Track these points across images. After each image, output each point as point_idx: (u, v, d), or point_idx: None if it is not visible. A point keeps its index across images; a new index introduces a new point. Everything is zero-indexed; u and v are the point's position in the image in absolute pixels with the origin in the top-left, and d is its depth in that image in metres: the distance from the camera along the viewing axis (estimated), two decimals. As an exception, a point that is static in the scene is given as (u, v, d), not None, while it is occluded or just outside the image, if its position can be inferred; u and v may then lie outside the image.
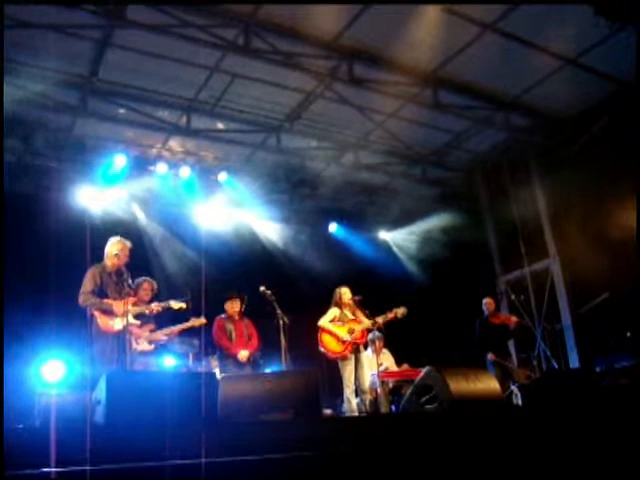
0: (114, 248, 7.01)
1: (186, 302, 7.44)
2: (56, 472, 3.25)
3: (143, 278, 7.67)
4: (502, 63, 9.29)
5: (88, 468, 3.26)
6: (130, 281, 6.97)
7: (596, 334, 10.08)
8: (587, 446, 4.76)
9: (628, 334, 9.32)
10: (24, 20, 7.61)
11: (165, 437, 3.70)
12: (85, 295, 6.67)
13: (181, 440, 3.66)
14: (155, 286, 7.79)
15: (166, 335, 7.66)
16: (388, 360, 9.55)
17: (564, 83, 9.66)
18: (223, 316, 8.58)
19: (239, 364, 8.22)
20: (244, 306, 8.64)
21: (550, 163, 11.04)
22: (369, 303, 8.18)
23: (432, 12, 8.10)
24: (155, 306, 7.28)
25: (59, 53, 8.22)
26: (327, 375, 9.10)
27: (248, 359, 8.28)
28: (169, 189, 11.05)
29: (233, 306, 8.56)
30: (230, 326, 8.45)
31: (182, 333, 8.03)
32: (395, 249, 13.90)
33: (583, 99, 10.22)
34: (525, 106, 10.59)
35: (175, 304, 7.34)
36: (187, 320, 7.69)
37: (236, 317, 8.57)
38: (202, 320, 7.70)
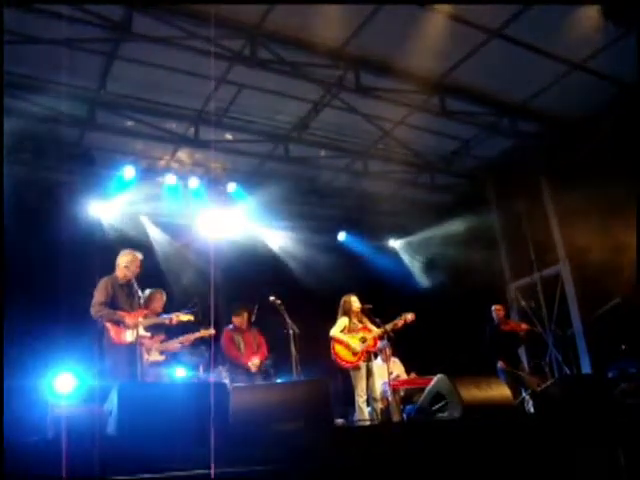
0: (124, 260, 7.05)
1: (194, 314, 7.49)
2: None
3: (154, 289, 7.69)
4: (508, 69, 9.28)
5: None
6: (140, 293, 7.00)
7: (608, 339, 10.00)
8: (600, 452, 4.73)
9: None
10: (31, 35, 7.67)
11: (176, 448, 3.71)
12: (98, 306, 6.68)
13: (192, 451, 3.66)
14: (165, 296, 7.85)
15: (180, 343, 7.72)
16: (399, 368, 9.53)
17: (571, 88, 9.64)
18: (231, 327, 8.73)
19: (249, 374, 8.33)
20: (253, 317, 8.72)
21: (558, 168, 11.01)
22: (379, 311, 8.17)
23: (438, 19, 8.10)
24: (175, 317, 7.32)
25: (67, 67, 8.27)
26: (340, 384, 9.10)
27: (259, 368, 8.37)
28: (178, 200, 11.08)
29: (240, 319, 8.69)
30: (238, 337, 8.62)
31: (193, 344, 8.08)
32: (404, 257, 13.89)
33: (590, 103, 10.18)
34: (532, 111, 10.56)
35: (184, 316, 7.40)
36: (197, 330, 7.76)
37: (244, 328, 8.70)
38: (211, 331, 7.77)
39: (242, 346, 8.59)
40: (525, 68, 9.22)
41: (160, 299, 7.70)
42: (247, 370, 8.37)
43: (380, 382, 8.28)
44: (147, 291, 7.36)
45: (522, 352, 10.80)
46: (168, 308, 7.76)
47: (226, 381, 8.16)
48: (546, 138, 11.06)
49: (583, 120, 10.60)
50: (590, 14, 8.09)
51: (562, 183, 10.74)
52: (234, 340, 8.63)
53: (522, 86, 9.88)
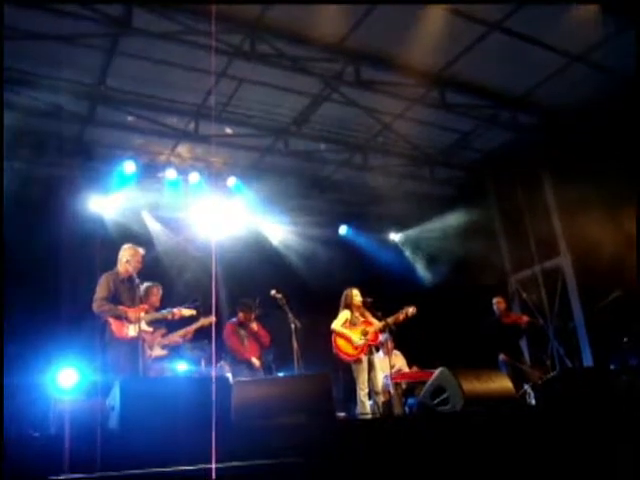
0: (125, 254, 7.06)
1: (196, 309, 7.49)
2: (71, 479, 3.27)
3: (150, 283, 7.67)
4: (508, 62, 9.24)
5: (101, 474, 3.28)
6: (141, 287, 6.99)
7: (609, 332, 10.00)
8: (601, 445, 4.74)
9: None
10: (32, 31, 7.65)
11: (178, 442, 3.72)
12: (99, 301, 6.68)
13: (194, 445, 3.67)
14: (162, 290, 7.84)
15: (181, 336, 7.72)
16: (400, 361, 9.54)
17: (571, 80, 9.62)
18: (234, 320, 8.71)
19: (251, 368, 8.34)
20: (256, 311, 8.73)
21: (558, 160, 10.97)
22: (379, 304, 8.18)
23: (437, 13, 8.09)
24: (178, 311, 7.33)
25: (67, 62, 8.28)
26: (341, 378, 9.11)
27: (261, 364, 8.41)
28: (178, 195, 11.09)
29: (247, 315, 8.68)
30: (242, 331, 8.59)
31: (195, 338, 8.08)
32: (405, 250, 13.88)
33: (590, 96, 10.15)
34: (532, 104, 10.54)
35: (187, 311, 7.41)
36: (197, 320, 7.74)
37: (248, 323, 8.70)
38: (211, 318, 7.71)
39: (245, 341, 8.60)
40: (525, 60, 9.18)
41: (157, 293, 7.68)
42: (249, 364, 8.39)
43: (382, 375, 8.28)
44: (143, 285, 7.34)
45: (524, 345, 10.81)
46: (169, 302, 7.75)
47: (228, 375, 8.19)
48: (546, 131, 11.03)
49: (583, 113, 10.56)
50: (590, 7, 8.07)
51: (562, 175, 10.70)
52: (238, 333, 8.63)
53: (522, 78, 9.85)
